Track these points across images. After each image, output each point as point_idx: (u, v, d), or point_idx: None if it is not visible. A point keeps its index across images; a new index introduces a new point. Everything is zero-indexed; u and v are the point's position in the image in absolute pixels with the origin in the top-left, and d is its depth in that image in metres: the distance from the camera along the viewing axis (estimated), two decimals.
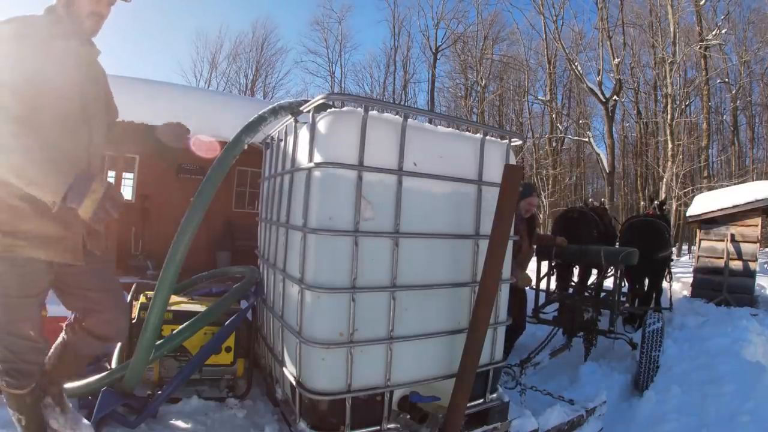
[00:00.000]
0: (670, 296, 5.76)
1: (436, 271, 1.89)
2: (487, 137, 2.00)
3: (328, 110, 1.76)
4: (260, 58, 27.21)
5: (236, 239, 7.76)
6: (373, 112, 1.72)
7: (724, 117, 21.49)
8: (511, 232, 1.95)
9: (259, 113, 1.97)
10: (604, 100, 16.61)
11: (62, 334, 1.77)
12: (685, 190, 14.21)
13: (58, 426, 1.64)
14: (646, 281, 5.52)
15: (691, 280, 6.49)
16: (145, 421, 1.86)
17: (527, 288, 3.89)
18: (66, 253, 1.53)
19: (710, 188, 12.04)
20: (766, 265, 9.62)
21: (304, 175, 1.75)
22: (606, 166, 16.71)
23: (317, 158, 1.70)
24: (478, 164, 1.97)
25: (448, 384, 1.85)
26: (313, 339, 1.68)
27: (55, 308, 2.27)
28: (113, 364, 2.16)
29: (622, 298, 4.68)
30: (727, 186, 9.87)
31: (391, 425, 1.84)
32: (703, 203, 6.48)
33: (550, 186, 18.85)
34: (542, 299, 4.60)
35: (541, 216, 16.47)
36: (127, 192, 6.64)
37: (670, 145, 14.67)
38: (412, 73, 27.97)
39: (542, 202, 17.02)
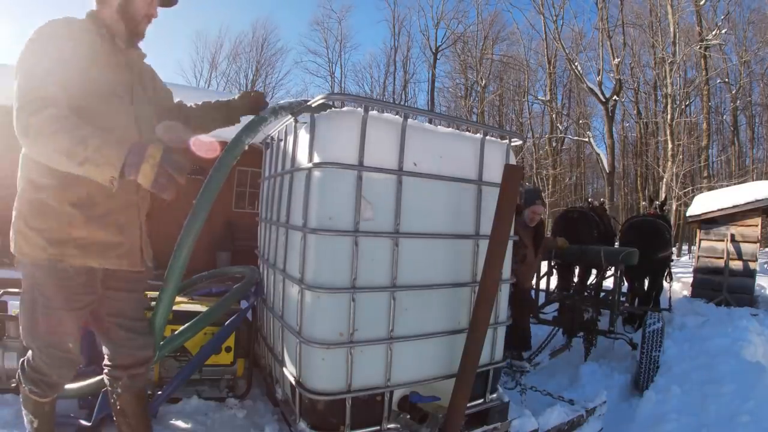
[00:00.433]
0: (670, 297, 5.76)
1: (436, 271, 1.89)
2: (487, 137, 2.00)
3: (328, 110, 1.76)
4: (260, 58, 27.21)
5: (236, 239, 7.77)
6: (373, 112, 1.72)
7: (724, 117, 21.49)
8: (511, 232, 1.95)
9: (260, 113, 1.97)
10: (604, 100, 16.61)
11: (113, 399, 1.64)
12: (685, 190, 14.21)
13: None
14: (647, 281, 5.52)
15: (691, 280, 6.48)
16: None
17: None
18: (122, 259, 1.48)
19: (710, 188, 12.04)
20: (766, 265, 9.61)
21: (304, 175, 1.75)
22: (606, 166, 16.70)
23: (317, 158, 1.70)
24: (478, 164, 1.97)
25: (448, 384, 1.85)
26: (313, 339, 1.68)
27: None
28: None
29: (622, 298, 4.69)
30: (727, 186, 9.86)
31: (391, 425, 1.84)
32: (703, 203, 6.47)
33: (550, 186, 18.86)
34: (542, 299, 4.60)
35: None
36: None
37: (670, 145, 14.66)
38: (412, 73, 27.99)
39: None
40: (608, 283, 4.74)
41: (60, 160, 1.24)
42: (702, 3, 15.71)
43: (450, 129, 2.03)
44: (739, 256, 5.98)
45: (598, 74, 16.91)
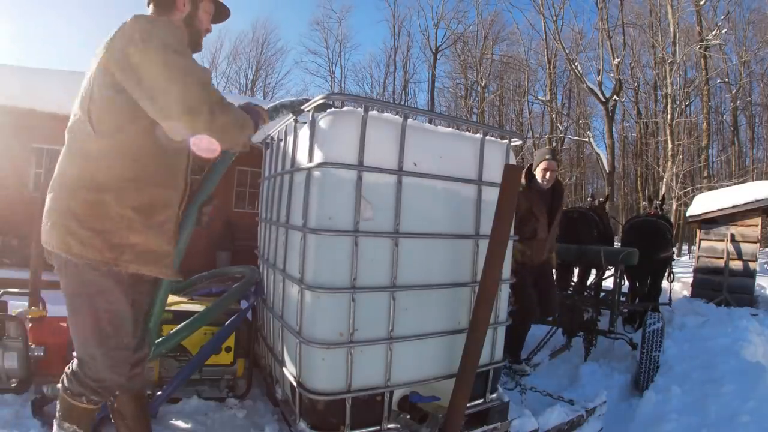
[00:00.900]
0: (670, 293, 5.76)
1: (435, 271, 1.89)
2: (487, 137, 2.00)
3: (328, 110, 1.76)
4: (260, 58, 27.28)
5: (236, 239, 7.77)
6: (373, 112, 1.71)
7: (724, 117, 21.53)
8: (511, 232, 1.95)
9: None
10: (604, 100, 16.62)
11: (110, 401, 1.63)
12: (685, 190, 14.22)
13: None
14: (647, 281, 5.52)
15: (691, 280, 6.49)
16: None
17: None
18: (169, 269, 1.51)
19: (710, 188, 12.05)
20: (766, 265, 9.62)
21: (304, 175, 1.75)
22: (606, 166, 16.71)
23: (317, 158, 1.70)
24: (478, 164, 1.97)
25: (448, 384, 1.84)
26: (313, 339, 1.68)
27: (56, 308, 2.28)
28: None
29: (622, 298, 4.69)
30: (727, 186, 9.87)
31: (391, 425, 1.84)
32: (703, 203, 6.48)
33: None
34: None
35: None
36: None
37: (670, 145, 14.67)
38: (412, 73, 28.06)
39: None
40: (608, 283, 4.74)
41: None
42: (702, 3, 15.72)
43: (450, 129, 2.03)
44: (739, 256, 5.99)
45: (598, 74, 16.94)
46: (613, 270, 4.44)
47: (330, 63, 28.70)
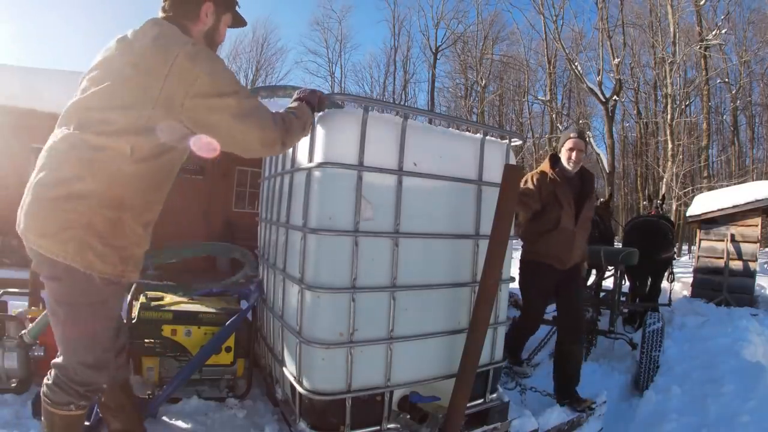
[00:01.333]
0: (670, 293, 5.76)
1: (436, 271, 1.89)
2: (487, 137, 2.00)
3: (328, 110, 1.76)
4: (260, 57, 27.23)
5: (236, 239, 7.76)
6: (373, 112, 1.72)
7: (724, 117, 21.53)
8: (512, 232, 1.95)
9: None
10: (604, 100, 16.61)
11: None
12: (685, 190, 14.22)
13: None
14: (648, 281, 5.52)
15: (691, 280, 6.48)
16: (146, 421, 1.85)
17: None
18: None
19: (710, 188, 12.05)
20: (766, 265, 9.62)
21: (304, 175, 1.75)
22: (606, 166, 16.70)
23: (317, 158, 1.70)
24: (478, 164, 1.97)
25: (448, 384, 1.85)
26: (313, 339, 1.68)
27: None
28: None
29: (622, 298, 4.69)
30: (727, 186, 9.86)
31: (391, 425, 1.84)
32: (703, 203, 6.47)
33: None
34: None
35: None
36: None
37: (670, 145, 14.67)
38: (412, 73, 28.05)
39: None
40: (608, 283, 4.73)
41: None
42: (702, 3, 15.72)
43: (450, 129, 2.03)
44: (739, 256, 5.98)
45: (598, 74, 16.92)
46: (613, 270, 4.44)
47: (330, 63, 28.72)
